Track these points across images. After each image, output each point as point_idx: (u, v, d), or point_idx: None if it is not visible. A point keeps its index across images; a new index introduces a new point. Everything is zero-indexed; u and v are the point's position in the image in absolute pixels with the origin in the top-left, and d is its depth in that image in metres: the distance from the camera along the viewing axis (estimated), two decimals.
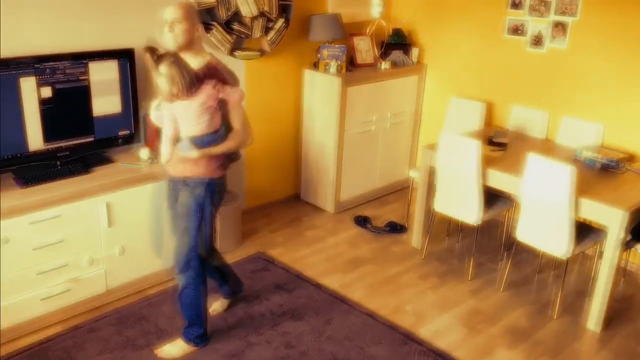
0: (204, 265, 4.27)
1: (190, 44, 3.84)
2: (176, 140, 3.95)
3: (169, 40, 3.78)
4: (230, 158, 4.18)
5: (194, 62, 3.86)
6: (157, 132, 4.20)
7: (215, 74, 3.87)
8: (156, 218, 4.41)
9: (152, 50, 3.76)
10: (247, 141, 4.22)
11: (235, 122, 4.01)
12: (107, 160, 4.96)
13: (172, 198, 4.18)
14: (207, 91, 3.81)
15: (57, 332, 4.54)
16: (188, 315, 4.37)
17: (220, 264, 4.67)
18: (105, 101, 4.87)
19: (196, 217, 4.08)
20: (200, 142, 3.90)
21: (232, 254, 5.71)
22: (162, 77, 3.72)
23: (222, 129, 3.97)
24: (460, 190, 5.44)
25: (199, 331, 4.41)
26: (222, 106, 3.93)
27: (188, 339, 4.41)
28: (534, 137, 6.20)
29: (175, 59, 3.75)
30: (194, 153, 3.91)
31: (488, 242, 6.32)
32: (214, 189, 4.10)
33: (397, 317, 4.97)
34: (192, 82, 3.75)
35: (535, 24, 6.12)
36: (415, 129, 7.47)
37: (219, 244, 5.69)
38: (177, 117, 3.89)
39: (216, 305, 4.87)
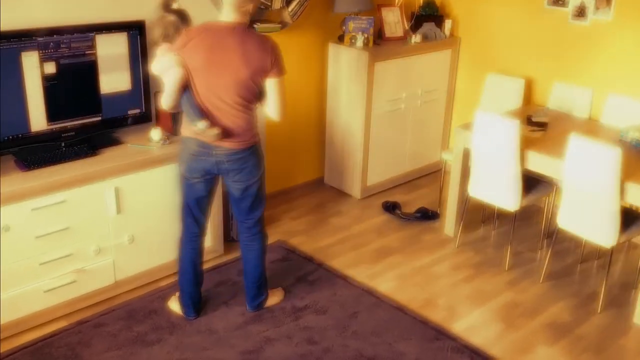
0: None
1: None
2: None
3: None
4: None
5: None
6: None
7: None
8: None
9: None
10: None
11: None
12: (115, 142, 4.90)
13: (214, 171, 4.37)
14: None
15: (61, 327, 4.51)
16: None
17: None
18: (114, 78, 4.81)
19: (263, 178, 4.50)
20: None
21: None
22: None
23: None
24: (497, 173, 5.37)
25: None
26: None
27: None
28: (576, 117, 6.08)
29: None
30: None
31: (526, 230, 6.24)
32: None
33: (428, 311, 4.92)
34: None
35: None
36: (448, 107, 7.41)
37: (236, 232, 5.64)
38: None
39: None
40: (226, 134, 4.18)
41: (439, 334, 4.61)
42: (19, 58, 4.29)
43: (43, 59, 4.40)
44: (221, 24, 4.09)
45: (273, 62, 4.06)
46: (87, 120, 4.76)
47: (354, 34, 6.31)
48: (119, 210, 4.67)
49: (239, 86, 4.06)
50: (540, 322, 4.84)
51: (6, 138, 4.38)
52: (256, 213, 4.53)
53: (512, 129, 5.09)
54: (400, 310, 4.87)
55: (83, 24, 4.58)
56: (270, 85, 4.13)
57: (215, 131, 4.10)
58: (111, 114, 4.88)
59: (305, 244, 5.81)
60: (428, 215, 6.39)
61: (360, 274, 5.33)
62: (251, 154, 4.30)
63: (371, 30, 6.33)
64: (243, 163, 4.29)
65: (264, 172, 4.47)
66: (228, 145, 4.21)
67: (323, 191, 6.94)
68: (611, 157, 4.55)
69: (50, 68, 4.45)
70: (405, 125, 6.96)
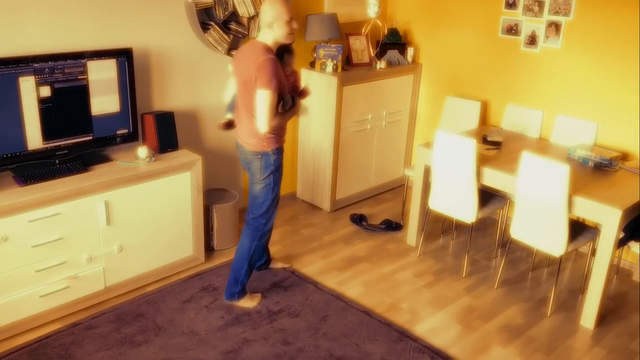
0: None
1: None
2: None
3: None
4: None
5: None
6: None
7: None
8: None
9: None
10: None
11: None
12: (105, 159, 4.97)
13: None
14: None
15: (55, 329, 4.53)
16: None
17: None
18: (104, 100, 4.87)
19: (267, 187, 4.73)
20: None
21: (228, 252, 5.74)
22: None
23: None
24: (456, 188, 5.44)
25: None
26: None
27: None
28: (528, 136, 6.20)
29: None
30: None
31: (483, 240, 6.33)
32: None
33: (393, 314, 4.98)
34: None
35: (529, 24, 6.12)
36: (410, 128, 7.46)
37: (216, 242, 5.75)
38: None
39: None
40: (238, 131, 4.68)
41: (403, 336, 4.66)
42: (16, 82, 4.33)
43: (39, 83, 4.45)
44: (250, 41, 4.59)
45: (256, 76, 4.23)
46: (79, 139, 4.81)
47: (324, 60, 6.39)
48: (108, 222, 4.71)
49: (242, 91, 4.45)
50: (495, 325, 4.91)
51: (5, 156, 4.43)
52: (254, 211, 4.78)
53: (469, 148, 5.19)
54: (367, 313, 4.92)
55: (76, 51, 4.64)
56: (255, 95, 4.32)
57: (221, 122, 4.83)
58: (101, 133, 4.92)
59: (279, 252, 5.84)
60: (392, 227, 6.46)
61: (330, 281, 5.40)
62: (256, 158, 4.59)
63: (340, 57, 6.38)
64: (249, 163, 4.65)
65: (268, 183, 4.65)
66: (241, 142, 4.63)
67: (296, 205, 7.00)
68: (560, 173, 4.63)
69: (46, 91, 4.51)
70: (371, 144, 7.02)
